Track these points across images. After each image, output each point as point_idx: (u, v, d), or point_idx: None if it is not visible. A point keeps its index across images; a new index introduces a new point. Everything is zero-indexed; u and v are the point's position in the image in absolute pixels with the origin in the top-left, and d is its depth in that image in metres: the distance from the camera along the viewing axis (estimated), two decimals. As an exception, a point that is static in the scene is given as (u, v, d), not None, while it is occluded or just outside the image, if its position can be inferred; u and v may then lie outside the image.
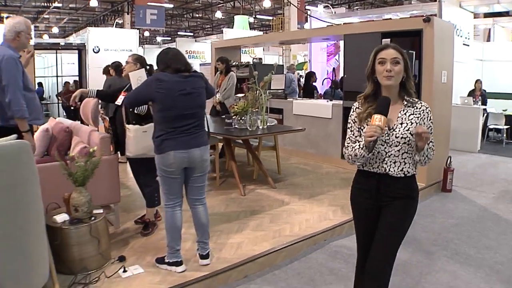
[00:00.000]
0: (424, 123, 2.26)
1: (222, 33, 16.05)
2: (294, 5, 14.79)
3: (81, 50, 9.13)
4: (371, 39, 5.94)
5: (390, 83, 2.23)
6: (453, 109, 6.45)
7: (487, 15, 12.16)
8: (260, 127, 5.37)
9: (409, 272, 3.53)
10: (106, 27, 20.38)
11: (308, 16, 12.38)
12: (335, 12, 12.72)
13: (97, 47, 12.06)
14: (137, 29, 14.65)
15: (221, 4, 23.16)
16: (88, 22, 26.90)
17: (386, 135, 2.26)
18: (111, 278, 3.13)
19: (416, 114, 2.26)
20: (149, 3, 15.44)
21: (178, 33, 28.30)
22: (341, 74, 9.21)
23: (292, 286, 3.26)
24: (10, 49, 3.57)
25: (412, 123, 2.24)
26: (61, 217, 3.28)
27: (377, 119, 2.13)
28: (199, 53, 15.54)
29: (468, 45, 9.67)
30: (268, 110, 5.89)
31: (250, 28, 18.19)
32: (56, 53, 12.43)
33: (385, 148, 2.27)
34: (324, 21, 11.29)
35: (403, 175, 2.28)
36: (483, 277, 3.46)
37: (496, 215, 5.03)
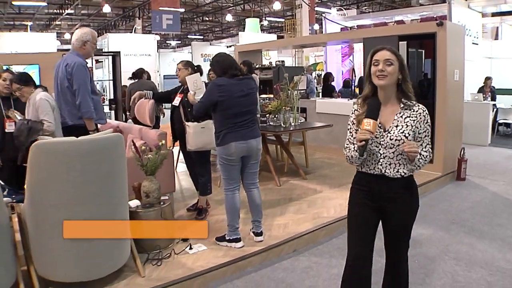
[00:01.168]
0: (420, 126, 2.32)
1: (234, 36, 16.70)
2: (307, 4, 15.32)
3: (115, 55, 9.82)
4: (389, 42, 6.53)
5: (382, 83, 2.29)
6: (464, 105, 7.05)
7: (495, 14, 12.69)
8: (293, 124, 6.01)
9: (434, 244, 4.15)
10: (125, 33, 20.98)
11: (323, 19, 12.99)
12: (346, 14, 13.30)
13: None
14: (148, 33, 15.26)
15: (231, 7, 23.76)
16: (99, 27, 27.58)
17: (381, 137, 2.33)
18: (180, 255, 3.71)
19: (412, 117, 2.32)
20: (162, 8, 16.08)
21: (188, 36, 28.94)
22: (357, 74, 9.84)
23: (334, 258, 3.88)
24: (78, 56, 4.20)
25: (407, 126, 2.31)
26: (134, 203, 3.90)
27: (367, 123, 2.22)
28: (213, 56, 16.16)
29: (477, 44, 10.26)
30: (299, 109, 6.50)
31: (261, 30, 18.77)
32: (92, 58, 12.98)
33: (380, 149, 2.35)
34: (339, 24, 11.91)
35: (399, 176, 2.35)
36: (496, 247, 4.07)
37: (507, 199, 5.63)
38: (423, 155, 2.32)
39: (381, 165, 2.36)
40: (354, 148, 2.36)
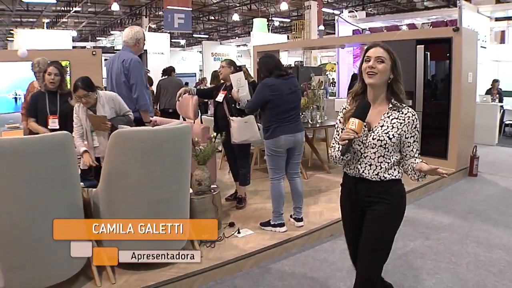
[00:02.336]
0: (407, 130, 2.27)
1: (240, 36, 17.11)
2: None
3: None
4: (407, 45, 7.06)
5: (372, 81, 2.25)
6: (474, 106, 7.56)
7: (498, 18, 13.13)
8: (319, 121, 6.51)
9: (455, 230, 4.65)
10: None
11: (336, 21, 13.49)
12: (357, 16, 13.78)
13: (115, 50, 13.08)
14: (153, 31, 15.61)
15: (238, 7, 24.20)
16: (105, 25, 27.99)
17: (364, 136, 2.29)
18: (229, 238, 4.17)
19: (400, 119, 2.26)
20: (173, 7, 16.48)
21: (194, 35, 29.36)
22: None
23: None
24: (132, 53, 4.65)
25: (393, 127, 2.26)
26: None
27: (352, 123, 2.19)
28: (223, 55, 16.66)
29: (485, 47, 10.75)
30: (324, 107, 6.99)
31: (270, 31, 19.25)
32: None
33: (361, 148, 2.31)
34: (356, 26, 12.42)
35: (378, 180, 2.30)
36: (511, 233, 4.58)
37: (517, 193, 6.15)
38: (412, 164, 2.28)
39: (360, 165, 2.32)
40: (338, 147, 2.32)
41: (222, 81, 5.12)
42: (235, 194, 5.25)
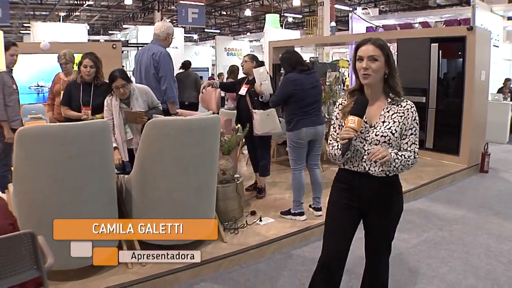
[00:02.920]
0: (407, 123, 2.26)
1: (251, 31, 17.33)
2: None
3: None
4: (421, 43, 7.26)
5: (367, 82, 2.23)
6: (485, 104, 7.74)
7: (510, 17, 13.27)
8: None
9: (467, 222, 4.86)
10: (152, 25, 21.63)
11: (350, 17, 13.68)
12: (371, 13, 13.97)
13: (136, 44, 13.31)
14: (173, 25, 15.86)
15: (250, 2, 24.40)
16: (117, 19, 28.28)
17: (366, 132, 2.27)
18: (252, 226, 4.40)
19: (399, 113, 2.26)
20: (186, 2, 16.70)
21: (205, 30, 29.58)
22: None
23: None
24: (161, 46, 4.88)
25: (394, 122, 2.25)
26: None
27: (351, 121, 2.16)
28: (236, 50, 16.90)
29: (497, 46, 10.91)
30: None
31: (283, 27, 19.44)
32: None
33: (364, 145, 2.28)
34: (370, 23, 12.61)
35: (384, 175, 2.29)
36: (522, 227, 4.79)
37: (527, 189, 6.34)
38: (404, 155, 2.24)
39: (365, 162, 2.29)
40: (337, 146, 2.29)
41: (244, 75, 5.34)
42: (254, 185, 5.49)
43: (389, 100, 2.29)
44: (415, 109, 2.28)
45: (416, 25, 11.89)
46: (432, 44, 7.20)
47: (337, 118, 2.39)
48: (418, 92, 7.33)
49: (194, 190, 3.62)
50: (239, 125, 4.75)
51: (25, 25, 24.93)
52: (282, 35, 14.69)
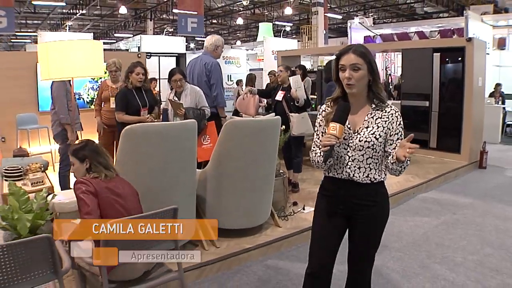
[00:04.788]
0: (392, 128, 2.26)
1: (241, 39, 18.01)
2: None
3: (179, 56, 11.39)
4: (425, 53, 8.24)
5: (352, 92, 2.24)
6: (480, 107, 8.72)
7: (495, 26, 14.34)
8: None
9: (475, 208, 5.78)
10: (158, 35, 22.37)
11: (348, 27, 14.67)
12: (367, 23, 14.97)
13: (149, 53, 13.97)
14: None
15: (242, 11, 25.30)
16: (109, 28, 28.92)
17: (350, 138, 2.27)
18: (298, 213, 5.18)
19: (383, 118, 2.26)
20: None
21: (196, 38, 30.35)
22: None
23: (410, 214, 5.49)
24: (212, 57, 5.69)
25: (378, 127, 2.25)
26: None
27: (333, 128, 2.15)
28: (234, 58, 17.67)
29: (488, 54, 11.97)
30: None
31: (279, 35, 20.36)
32: (159, 58, 14.04)
33: (348, 152, 2.28)
34: (372, 32, 13.64)
35: (369, 182, 2.28)
36: (523, 211, 5.74)
37: (523, 182, 7.33)
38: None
39: (349, 168, 2.29)
40: (320, 153, 2.30)
41: (279, 83, 6.19)
42: (288, 181, 6.31)
43: (373, 106, 2.30)
44: (399, 114, 2.30)
45: (412, 34, 12.93)
46: (434, 54, 8.17)
47: (320, 125, 2.40)
48: (422, 97, 8.33)
49: (261, 180, 4.38)
50: (283, 127, 5.55)
51: (16, 34, 25.39)
52: (281, 44, 15.58)
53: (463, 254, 4.31)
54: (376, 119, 2.27)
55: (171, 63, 13.50)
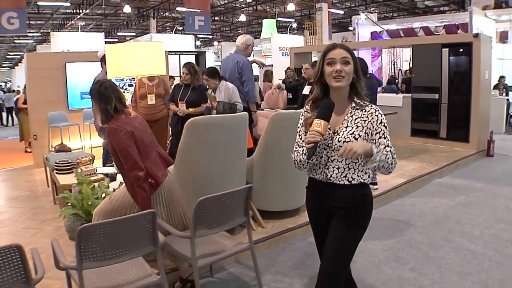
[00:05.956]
0: (372, 127, 2.24)
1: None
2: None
3: (199, 54, 11.88)
4: (433, 48, 8.84)
5: (340, 85, 2.21)
6: (486, 98, 9.34)
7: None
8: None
9: (486, 191, 6.40)
10: (169, 34, 22.90)
11: (356, 23, 15.24)
12: (373, 19, 15.55)
13: (171, 52, 14.40)
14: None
15: (244, 8, 25.81)
16: (112, 27, 29.37)
17: (330, 138, 2.26)
18: None
19: (363, 118, 2.24)
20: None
21: (197, 35, 30.87)
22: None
23: (428, 197, 6.10)
24: (243, 56, 6.26)
25: (357, 127, 2.23)
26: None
27: (317, 124, 2.13)
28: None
29: (491, 47, 12.58)
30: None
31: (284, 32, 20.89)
32: (180, 56, 14.52)
33: (328, 152, 2.27)
34: (380, 27, 14.21)
35: (347, 183, 2.24)
36: (530, 192, 6.36)
37: (528, 168, 7.95)
38: (383, 151, 2.17)
39: (327, 169, 2.28)
40: (302, 151, 2.30)
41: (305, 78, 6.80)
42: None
43: (353, 105, 2.29)
44: (381, 113, 2.27)
45: (418, 29, 13.52)
46: (443, 49, 8.77)
47: (302, 126, 2.40)
48: (432, 90, 8.96)
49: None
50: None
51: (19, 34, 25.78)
52: (288, 41, 16.14)
53: (480, 229, 4.91)
54: (356, 118, 2.26)
55: (191, 61, 13.98)
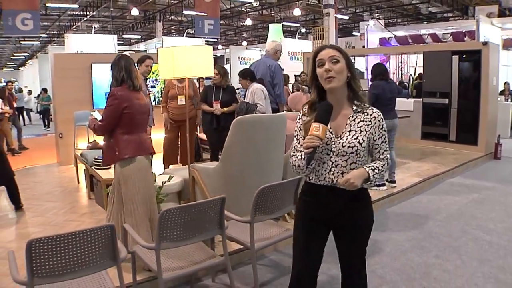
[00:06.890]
0: (375, 132, 2.23)
1: (246, 40, 18.80)
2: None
3: (216, 58, 12.39)
4: (444, 55, 9.35)
5: (332, 86, 2.17)
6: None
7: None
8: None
9: (497, 190, 6.88)
10: (180, 37, 23.36)
11: (365, 29, 15.74)
12: (382, 25, 16.05)
13: None
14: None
15: (250, 12, 26.28)
16: (117, 29, 29.78)
17: (333, 143, 2.21)
18: None
19: (366, 122, 2.22)
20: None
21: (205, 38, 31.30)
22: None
23: (441, 196, 6.57)
24: (273, 60, 6.72)
25: (361, 131, 2.20)
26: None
27: (315, 128, 2.09)
28: (249, 59, 18.73)
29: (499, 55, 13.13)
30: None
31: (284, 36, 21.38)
32: None
33: (332, 157, 2.22)
34: (390, 32, 14.70)
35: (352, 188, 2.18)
36: (538, 192, 6.85)
37: (535, 170, 8.45)
38: (378, 168, 2.22)
39: (332, 174, 2.23)
40: (301, 156, 2.24)
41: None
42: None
43: (355, 108, 2.26)
44: (382, 118, 2.28)
45: (425, 36, 14.02)
46: (453, 56, 9.28)
47: (300, 130, 2.34)
48: (442, 95, 9.46)
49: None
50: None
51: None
52: (296, 45, 16.66)
53: (494, 223, 5.39)
54: (358, 122, 2.23)
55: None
